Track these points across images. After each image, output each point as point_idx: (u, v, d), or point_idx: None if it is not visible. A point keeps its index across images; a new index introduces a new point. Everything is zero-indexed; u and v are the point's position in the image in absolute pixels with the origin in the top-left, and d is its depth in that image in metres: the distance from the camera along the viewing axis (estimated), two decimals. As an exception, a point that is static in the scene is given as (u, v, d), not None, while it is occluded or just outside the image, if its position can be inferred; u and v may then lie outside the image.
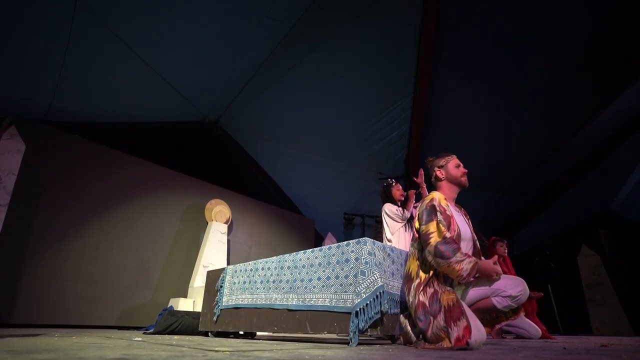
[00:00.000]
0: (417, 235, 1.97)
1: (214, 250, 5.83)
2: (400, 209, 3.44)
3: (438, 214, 1.86)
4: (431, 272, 1.83)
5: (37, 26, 3.77)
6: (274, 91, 6.22)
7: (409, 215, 3.42)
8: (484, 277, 1.87)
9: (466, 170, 2.08)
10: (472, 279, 1.77)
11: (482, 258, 2.01)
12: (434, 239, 1.80)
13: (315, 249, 2.37)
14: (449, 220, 1.87)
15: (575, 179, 7.57)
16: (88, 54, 4.34)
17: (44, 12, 3.67)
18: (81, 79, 4.62)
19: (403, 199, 3.57)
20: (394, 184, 3.65)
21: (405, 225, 3.43)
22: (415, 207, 3.48)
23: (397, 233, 3.41)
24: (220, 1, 4.43)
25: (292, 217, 8.43)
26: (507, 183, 7.89)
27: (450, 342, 1.58)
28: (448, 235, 1.80)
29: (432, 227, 1.83)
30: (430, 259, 1.80)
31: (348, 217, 8.44)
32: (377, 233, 8.01)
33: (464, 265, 1.71)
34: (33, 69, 4.20)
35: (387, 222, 3.48)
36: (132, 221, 5.42)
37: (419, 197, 3.54)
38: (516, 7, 5.04)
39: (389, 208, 3.48)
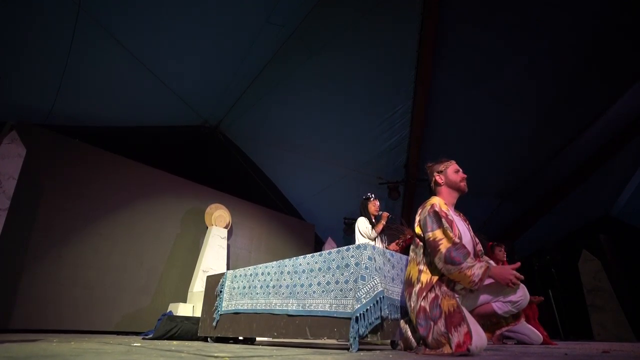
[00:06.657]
0: (418, 240, 1.96)
1: (213, 255, 5.81)
2: (370, 227, 3.66)
3: (443, 219, 1.86)
4: (434, 278, 1.81)
5: (38, 31, 3.79)
6: (274, 96, 6.24)
7: (376, 236, 3.66)
8: (497, 282, 1.76)
9: (465, 176, 2.09)
10: (483, 284, 1.72)
11: (492, 263, 1.99)
12: (444, 245, 1.77)
13: (315, 253, 2.36)
14: (450, 225, 1.87)
15: (575, 184, 7.57)
16: (89, 59, 4.36)
17: (45, 17, 3.69)
18: (82, 84, 4.63)
19: (377, 214, 3.79)
20: (372, 199, 3.86)
21: (374, 241, 3.66)
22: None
23: None
24: (221, 6, 4.46)
25: (292, 222, 8.41)
26: (508, 188, 7.88)
27: (450, 348, 1.57)
28: (458, 240, 1.79)
29: (440, 233, 1.81)
30: (440, 266, 1.77)
31: (348, 222, 8.41)
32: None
33: (475, 270, 1.68)
34: (35, 73, 4.22)
35: (357, 236, 3.72)
36: (132, 226, 5.42)
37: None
38: (517, 9, 5.06)
39: (362, 224, 3.70)
